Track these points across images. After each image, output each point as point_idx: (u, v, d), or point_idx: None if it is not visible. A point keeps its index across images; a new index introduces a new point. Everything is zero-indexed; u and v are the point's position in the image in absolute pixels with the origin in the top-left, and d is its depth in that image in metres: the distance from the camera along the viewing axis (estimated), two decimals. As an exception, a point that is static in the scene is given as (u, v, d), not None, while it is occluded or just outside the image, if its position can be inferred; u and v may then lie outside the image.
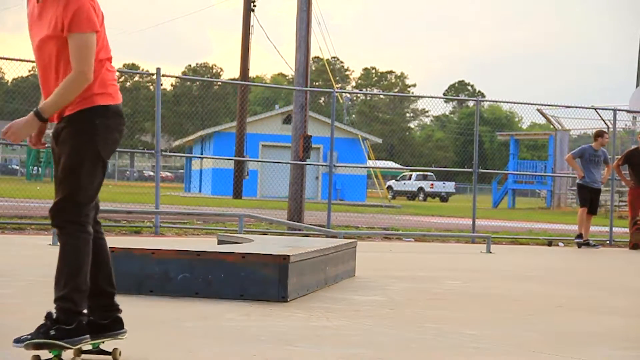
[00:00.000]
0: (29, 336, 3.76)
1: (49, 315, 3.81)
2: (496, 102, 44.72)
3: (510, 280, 8.76)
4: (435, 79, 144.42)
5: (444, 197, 49.61)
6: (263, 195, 37.34)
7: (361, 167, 34.69)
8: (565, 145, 36.19)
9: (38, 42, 3.94)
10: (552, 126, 36.67)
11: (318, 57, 71.15)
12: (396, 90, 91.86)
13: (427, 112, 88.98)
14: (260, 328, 5.05)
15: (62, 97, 3.82)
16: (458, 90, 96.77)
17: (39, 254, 9.38)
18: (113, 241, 10.79)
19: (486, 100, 25.83)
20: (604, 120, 25.63)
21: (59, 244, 3.91)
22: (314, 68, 73.03)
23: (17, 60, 14.21)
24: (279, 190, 30.39)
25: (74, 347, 3.83)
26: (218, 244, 8.27)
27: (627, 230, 18.09)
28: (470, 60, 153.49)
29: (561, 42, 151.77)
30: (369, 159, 38.34)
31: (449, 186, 50.10)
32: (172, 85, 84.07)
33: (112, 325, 4.08)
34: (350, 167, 33.32)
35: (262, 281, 6.12)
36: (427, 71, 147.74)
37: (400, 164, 47.39)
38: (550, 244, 15.51)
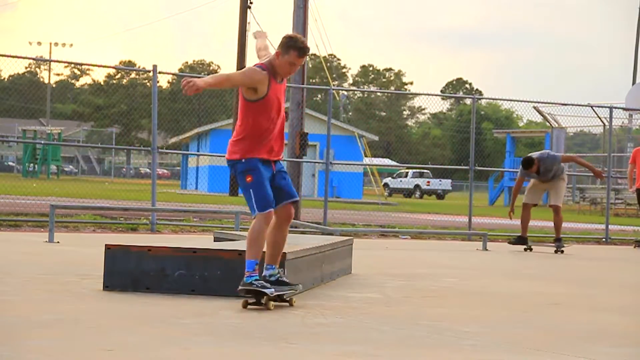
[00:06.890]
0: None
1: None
2: (493, 99, 44.70)
3: (507, 278, 8.76)
4: (432, 76, 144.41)
5: (440, 195, 49.59)
6: (260, 192, 37.20)
7: (358, 165, 34.63)
8: (561, 143, 36.17)
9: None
10: (548, 124, 36.67)
11: (315, 55, 71.15)
12: (393, 88, 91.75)
13: (424, 109, 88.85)
14: (256, 325, 5.05)
15: None
16: (456, 87, 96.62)
17: (35, 251, 9.36)
18: (109, 238, 10.81)
19: (483, 98, 25.88)
20: (600, 118, 25.64)
21: None
22: (310, 65, 72.94)
23: (13, 57, 14.17)
24: (275, 188, 30.29)
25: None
26: (214, 241, 8.26)
27: (623, 227, 18.09)
28: (468, 58, 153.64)
29: (558, 39, 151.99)
30: (366, 156, 38.22)
31: (446, 184, 50.06)
32: (168, 82, 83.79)
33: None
34: (346, 164, 33.30)
35: (258, 278, 6.11)
36: (424, 69, 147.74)
37: (397, 162, 47.22)
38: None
